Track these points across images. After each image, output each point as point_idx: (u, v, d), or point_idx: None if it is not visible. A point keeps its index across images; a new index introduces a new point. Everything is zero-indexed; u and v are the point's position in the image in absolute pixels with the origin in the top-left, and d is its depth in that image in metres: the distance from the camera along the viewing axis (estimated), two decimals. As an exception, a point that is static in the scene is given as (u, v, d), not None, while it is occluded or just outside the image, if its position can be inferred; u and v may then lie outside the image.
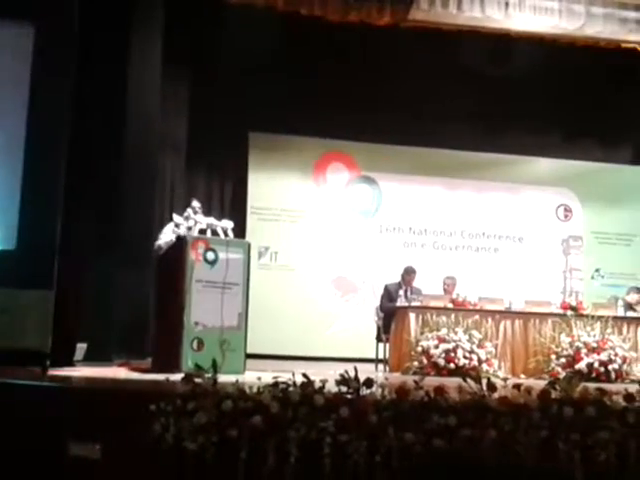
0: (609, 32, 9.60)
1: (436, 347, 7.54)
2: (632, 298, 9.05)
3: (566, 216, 11.55)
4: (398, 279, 8.76)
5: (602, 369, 7.72)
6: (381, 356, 8.33)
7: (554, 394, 3.78)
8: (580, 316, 8.16)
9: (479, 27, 9.38)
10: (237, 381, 3.69)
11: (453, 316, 7.85)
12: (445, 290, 8.80)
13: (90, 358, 6.85)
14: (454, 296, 8.26)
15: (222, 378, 3.74)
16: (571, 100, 10.89)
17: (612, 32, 9.61)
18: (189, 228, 6.53)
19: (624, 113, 11.12)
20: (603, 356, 7.77)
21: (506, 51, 10.13)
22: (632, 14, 9.58)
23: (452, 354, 7.49)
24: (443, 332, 7.66)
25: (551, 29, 9.47)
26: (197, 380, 3.63)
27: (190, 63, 9.72)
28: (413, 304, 8.10)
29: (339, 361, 7.67)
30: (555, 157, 11.53)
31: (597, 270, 9.58)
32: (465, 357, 7.50)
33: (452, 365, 7.43)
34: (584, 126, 11.31)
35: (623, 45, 9.98)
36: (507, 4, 9.29)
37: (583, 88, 10.83)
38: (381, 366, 8.26)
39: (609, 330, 8.04)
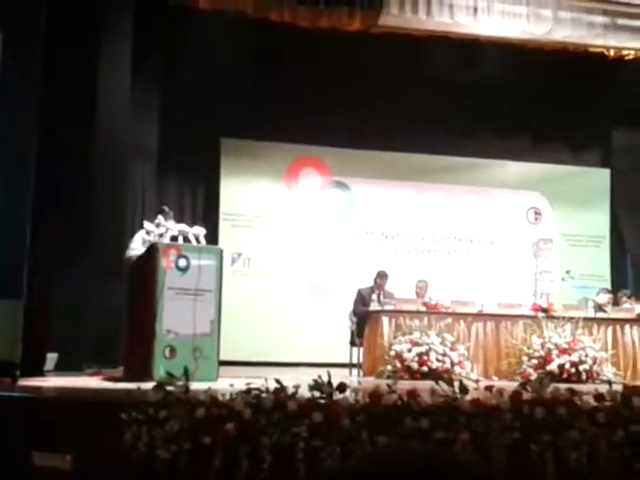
0: (576, 36, 9.71)
1: (409, 351, 7.57)
2: (602, 299, 9.15)
3: (536, 219, 11.66)
4: (371, 283, 8.78)
5: (573, 370, 7.79)
6: (355, 360, 8.34)
7: (525, 395, 3.81)
8: (551, 317, 8.24)
9: (448, 32, 9.43)
10: (209, 388, 3.68)
11: (426, 319, 7.89)
12: (417, 293, 8.84)
13: (61, 368, 6.79)
14: (426, 299, 8.30)
15: (195, 386, 3.72)
16: (540, 104, 11.00)
17: (579, 36, 9.72)
18: (160, 235, 6.50)
19: (592, 116, 11.27)
20: (574, 357, 7.84)
21: (475, 56, 10.23)
22: (599, 19, 9.70)
23: (425, 357, 7.52)
24: (416, 335, 7.69)
25: (519, 34, 9.56)
26: (169, 388, 3.60)
27: (160, 69, 9.66)
28: (386, 308, 8.12)
29: (313, 366, 7.68)
30: (525, 160, 11.63)
31: (567, 272, 9.69)
32: (438, 360, 7.53)
33: (425, 368, 7.45)
34: (553, 130, 11.44)
35: (590, 49, 10.11)
36: (476, 9, 9.36)
37: (551, 92, 10.94)
38: (355, 370, 8.27)
39: (579, 331, 8.12)
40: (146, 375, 5.53)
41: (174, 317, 5.99)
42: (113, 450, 3.54)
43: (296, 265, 10.66)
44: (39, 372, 6.32)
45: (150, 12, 8.74)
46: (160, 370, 5.48)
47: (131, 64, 8.44)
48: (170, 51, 9.58)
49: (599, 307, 8.93)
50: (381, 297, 8.48)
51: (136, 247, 6.87)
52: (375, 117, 10.37)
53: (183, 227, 6.64)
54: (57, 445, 3.70)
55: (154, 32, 9.17)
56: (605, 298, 9.17)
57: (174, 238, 6.51)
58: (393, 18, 9.14)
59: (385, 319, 7.95)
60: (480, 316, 8.25)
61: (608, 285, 10.98)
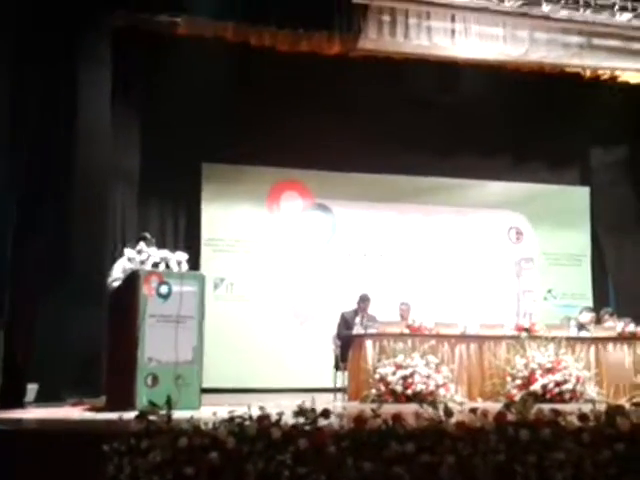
0: (553, 57, 9.85)
1: (393, 374, 7.55)
2: (585, 317, 9.19)
3: (517, 238, 11.72)
4: (354, 306, 8.76)
5: (557, 390, 7.80)
6: (339, 385, 8.30)
7: (510, 417, 3.79)
8: (534, 337, 8.25)
9: (427, 55, 9.54)
10: (192, 417, 3.63)
11: (409, 342, 7.88)
12: (401, 316, 8.83)
13: (42, 399, 6.71)
14: (410, 321, 8.28)
15: (177, 414, 3.67)
16: (518, 124, 11.10)
17: (556, 57, 9.87)
18: (142, 262, 6.45)
19: (570, 136, 11.40)
20: (557, 377, 7.85)
21: (454, 77, 10.34)
22: (574, 39, 9.85)
23: (409, 380, 7.50)
24: (400, 358, 7.68)
25: (497, 55, 9.69)
26: (151, 418, 3.55)
27: (141, 94, 9.67)
28: (369, 331, 8.10)
29: (297, 392, 7.64)
30: (505, 180, 11.72)
31: (549, 291, 9.72)
32: (422, 382, 7.52)
33: (410, 391, 7.44)
34: (532, 149, 11.54)
35: (567, 69, 10.27)
36: (453, 32, 9.48)
37: (530, 112, 11.05)
38: (340, 395, 8.22)
39: (562, 350, 8.14)
40: (128, 404, 5.47)
41: (156, 345, 5.93)
42: (95, 482, 3.48)
43: (279, 289, 10.63)
44: (19, 404, 6.24)
45: (130, 37, 8.77)
46: (142, 399, 5.43)
47: (111, 89, 8.45)
48: (150, 76, 9.60)
49: (581, 326, 8.96)
50: (364, 320, 8.46)
51: (117, 274, 6.82)
52: (355, 139, 10.41)
53: (165, 253, 6.59)
54: (37, 478, 3.64)
55: (134, 57, 9.19)
56: (588, 317, 9.21)
57: (156, 264, 6.46)
58: (372, 42, 9.25)
59: (369, 343, 7.93)
60: (463, 337, 8.25)
61: (590, 303, 11.04)
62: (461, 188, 11.57)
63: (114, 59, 8.49)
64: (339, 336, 8.58)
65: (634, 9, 9.83)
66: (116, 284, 6.67)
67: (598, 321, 9.39)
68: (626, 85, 10.51)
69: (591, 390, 8.04)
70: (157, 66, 9.42)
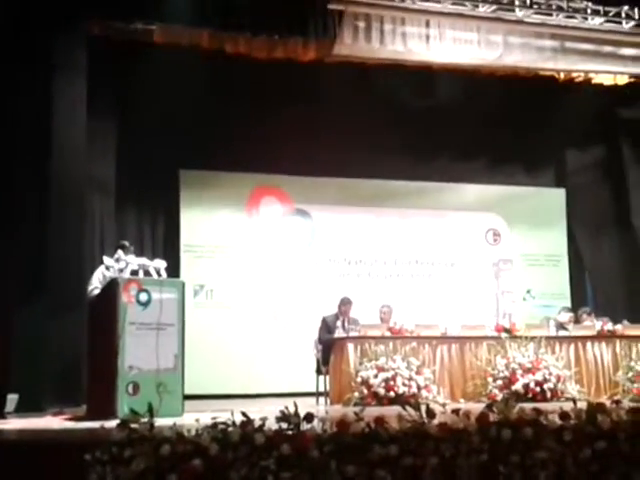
0: (527, 61, 9.93)
1: (375, 376, 7.56)
2: (564, 317, 9.28)
3: (495, 240, 11.81)
4: (335, 310, 8.78)
5: (538, 389, 7.87)
6: (322, 389, 8.30)
7: (492, 417, 3.82)
8: (514, 337, 8.31)
9: (402, 60, 9.57)
10: (175, 424, 3.62)
11: (391, 344, 7.90)
12: (382, 319, 8.86)
13: (22, 409, 6.64)
14: (391, 324, 8.31)
15: (160, 422, 3.66)
16: (494, 127, 11.17)
17: (530, 60, 9.94)
18: (120, 270, 6.43)
19: (545, 138, 11.50)
20: (538, 376, 7.92)
21: (430, 82, 10.39)
22: (548, 42, 9.93)
23: (391, 382, 7.52)
24: (382, 361, 7.70)
25: (471, 60, 9.74)
26: (133, 426, 3.54)
27: (116, 102, 9.63)
28: (351, 334, 8.12)
29: (280, 397, 7.63)
30: (481, 183, 11.80)
31: (528, 291, 9.81)
32: (404, 385, 7.54)
33: (392, 393, 7.46)
34: (508, 152, 11.65)
35: (541, 72, 10.35)
36: (428, 37, 9.52)
37: (505, 115, 11.14)
38: (322, 399, 8.23)
39: (542, 350, 8.21)
40: (110, 413, 5.44)
41: (136, 353, 5.91)
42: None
43: (259, 295, 10.62)
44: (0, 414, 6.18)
45: (105, 45, 8.72)
46: (124, 407, 5.39)
47: (87, 97, 8.39)
48: (126, 84, 9.55)
49: (561, 325, 9.04)
50: (346, 324, 8.48)
51: (96, 283, 6.79)
52: (334, 145, 10.43)
53: (143, 261, 6.57)
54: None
55: (110, 65, 9.15)
56: (567, 317, 9.30)
57: (134, 272, 6.44)
58: (347, 47, 9.26)
59: (350, 346, 7.95)
60: (444, 339, 8.28)
61: (568, 303, 11.14)
62: (438, 191, 11.64)
63: (89, 67, 8.44)
64: (320, 340, 8.58)
65: (606, 13, 9.95)
66: (95, 293, 6.64)
67: (577, 320, 9.48)
68: (600, 87, 10.62)
69: (572, 388, 8.12)
70: (133, 74, 9.38)
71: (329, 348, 8.29)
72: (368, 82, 10.18)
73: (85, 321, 7.04)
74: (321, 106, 10.30)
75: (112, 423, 3.70)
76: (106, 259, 6.72)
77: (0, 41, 7.66)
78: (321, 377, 8.38)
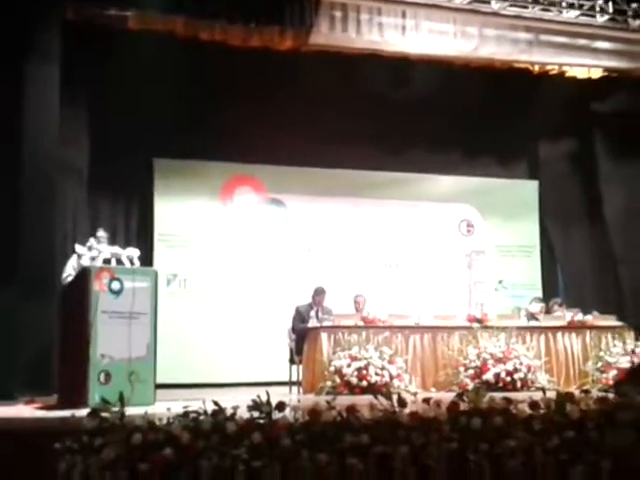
0: (502, 53, 9.99)
1: (348, 366, 7.59)
2: (535, 308, 9.38)
3: (469, 231, 11.87)
4: (309, 300, 8.79)
5: (508, 378, 7.95)
6: (294, 378, 8.32)
7: (463, 406, 3.85)
8: (485, 328, 8.39)
9: (378, 50, 9.58)
10: (146, 413, 3.62)
11: (364, 334, 7.93)
12: (356, 308, 8.89)
13: (-8, 397, 6.58)
14: (364, 314, 8.34)
15: (131, 411, 3.65)
16: (469, 119, 11.21)
17: (505, 53, 10.01)
18: (93, 258, 6.39)
19: (519, 130, 11.57)
20: (509, 366, 8.00)
21: (405, 73, 10.40)
22: (523, 35, 10.00)
23: (364, 372, 7.55)
24: (354, 350, 7.73)
25: (447, 51, 9.78)
26: (104, 414, 3.52)
27: (90, 89, 9.51)
28: (324, 324, 8.14)
29: (252, 386, 7.62)
30: (456, 174, 11.85)
31: (500, 282, 9.89)
32: (377, 374, 7.57)
33: (364, 383, 7.49)
34: (482, 144, 11.70)
35: (516, 65, 10.41)
36: (404, 27, 9.54)
37: (480, 107, 11.17)
38: (295, 388, 8.25)
39: (513, 340, 8.30)
40: (81, 402, 5.42)
41: (109, 341, 5.88)
42: (47, 480, 3.44)
43: (233, 284, 10.59)
44: (-31, 403, 6.13)
45: (79, 31, 8.62)
46: (95, 396, 5.38)
47: (60, 84, 8.29)
48: (101, 70, 9.43)
49: (532, 316, 9.14)
50: (319, 313, 8.50)
51: (70, 270, 6.74)
52: (308, 134, 10.42)
53: (116, 249, 6.54)
54: (-12, 478, 3.59)
55: (84, 51, 9.03)
56: (538, 307, 9.40)
57: (107, 261, 6.40)
58: (324, 36, 9.25)
59: (324, 335, 7.97)
60: (417, 329, 8.34)
61: (540, 293, 11.25)
62: (413, 182, 11.67)
63: (63, 53, 8.34)
64: (294, 329, 8.60)
65: (581, 6, 10.04)
66: (68, 281, 6.59)
67: (548, 311, 9.59)
68: (574, 80, 10.71)
69: (542, 378, 8.22)
70: (107, 60, 9.25)
71: (302, 338, 8.31)
72: (344, 72, 10.16)
73: (57, 309, 7.00)
74: (297, 95, 10.27)
75: (83, 412, 3.69)
76: (78, 247, 6.67)
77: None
78: (294, 366, 8.41)
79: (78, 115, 9.31)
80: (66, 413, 4.02)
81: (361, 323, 8.17)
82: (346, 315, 8.43)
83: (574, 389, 7.28)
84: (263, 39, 9.19)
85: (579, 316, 8.93)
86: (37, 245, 7.77)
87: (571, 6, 10.04)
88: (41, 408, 6.01)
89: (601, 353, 8.59)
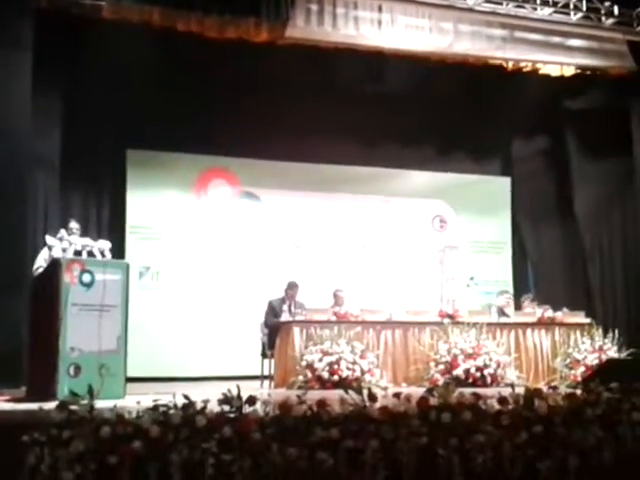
0: (477, 49, 10.03)
1: (320, 360, 7.60)
2: (501, 301, 9.45)
3: (442, 226, 11.95)
4: (282, 294, 8.79)
5: (478, 374, 8.01)
6: (266, 372, 8.32)
7: (432, 401, 3.87)
8: (456, 323, 8.44)
9: (354, 45, 9.57)
10: (115, 406, 3.59)
11: (336, 329, 7.94)
12: (336, 303, 8.85)
13: (-41, 390, 6.50)
14: (342, 308, 8.36)
15: (101, 404, 3.63)
16: (443, 115, 11.25)
17: (480, 49, 10.04)
18: (64, 250, 6.32)
19: (493, 127, 11.67)
20: (479, 361, 8.05)
21: (381, 68, 10.43)
22: (497, 31, 10.05)
23: (335, 366, 7.56)
24: (326, 345, 7.74)
25: (422, 46, 9.79)
26: (73, 407, 3.49)
27: (63, 78, 9.40)
28: (297, 319, 8.15)
29: (224, 380, 7.61)
30: (429, 170, 11.91)
31: (472, 278, 9.94)
32: (348, 368, 7.59)
33: (336, 377, 7.50)
34: (456, 140, 11.77)
35: (490, 61, 10.46)
36: (380, 22, 9.54)
37: (454, 103, 11.23)
38: (267, 382, 8.25)
39: (484, 336, 8.35)
40: (50, 395, 5.37)
41: (79, 334, 5.83)
42: (14, 474, 3.41)
43: (206, 278, 10.56)
44: None
45: (52, 20, 8.52)
46: (64, 389, 5.33)
47: (32, 73, 8.19)
48: (73, 60, 9.34)
49: (501, 311, 9.21)
50: (292, 308, 8.51)
51: (41, 262, 6.68)
52: (283, 128, 10.40)
53: (87, 241, 6.48)
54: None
55: (57, 42, 8.93)
56: (503, 300, 9.46)
57: (78, 253, 6.34)
58: (299, 30, 9.22)
59: (296, 329, 7.98)
60: (389, 324, 8.38)
61: (511, 290, 11.35)
62: (387, 177, 11.71)
63: (36, 43, 8.23)
64: (266, 324, 8.60)
65: (555, 3, 10.12)
66: (38, 273, 6.52)
67: (518, 307, 9.68)
68: (547, 77, 10.79)
69: (511, 374, 8.28)
70: (81, 51, 9.18)
71: (275, 332, 8.31)
72: (320, 66, 10.16)
73: (27, 301, 6.92)
74: (272, 89, 10.25)
75: (52, 404, 3.66)
76: (49, 238, 6.61)
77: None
78: (266, 361, 8.41)
79: (50, 105, 9.20)
80: (34, 406, 3.98)
81: (333, 318, 8.18)
82: (319, 310, 8.44)
83: (543, 385, 7.35)
84: (239, 31, 9.13)
85: (549, 312, 9.02)
86: (7, 237, 7.68)
87: (545, 3, 10.11)
88: (9, 400, 5.94)
89: (570, 350, 8.68)
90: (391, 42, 9.61)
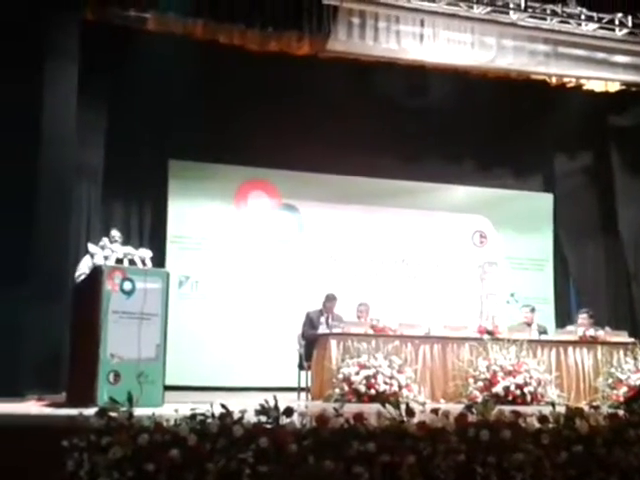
0: (519, 64, 9.95)
1: (357, 374, 7.56)
2: (525, 314, 9.32)
3: (481, 242, 11.84)
4: (320, 306, 8.78)
5: (518, 392, 7.89)
6: (303, 384, 8.31)
7: (471, 418, 3.83)
8: (496, 340, 8.33)
9: (395, 59, 9.58)
10: (153, 414, 3.61)
11: (373, 342, 7.90)
12: (358, 317, 8.84)
13: (1, 394, 6.59)
14: (374, 322, 8.31)
15: (139, 411, 3.65)
16: (485, 130, 11.20)
17: (522, 64, 9.96)
18: (105, 257, 6.40)
19: (535, 142, 11.54)
20: (519, 379, 7.94)
21: (422, 82, 10.40)
22: (541, 47, 9.96)
23: (372, 380, 7.52)
24: (364, 358, 7.69)
25: (464, 61, 9.75)
26: (112, 414, 3.53)
27: (107, 90, 9.56)
28: (334, 331, 8.12)
29: (261, 391, 7.62)
30: (470, 185, 11.82)
31: (512, 294, 9.82)
32: (385, 383, 7.54)
33: (373, 391, 7.46)
34: (497, 155, 11.68)
35: (533, 77, 10.39)
36: (422, 36, 9.52)
37: (496, 118, 11.17)
38: (303, 394, 8.23)
39: (524, 353, 8.23)
40: (89, 401, 5.43)
41: (119, 341, 5.89)
42: (54, 478, 3.44)
43: (244, 288, 10.59)
44: (-22, 399, 6.15)
45: (98, 32, 8.68)
46: (104, 395, 5.38)
47: (78, 85, 8.34)
48: (118, 72, 9.49)
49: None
50: (330, 320, 8.49)
51: (84, 269, 6.77)
52: (323, 140, 10.42)
53: (129, 249, 6.55)
54: (-5, 474, 3.59)
55: (102, 53, 9.09)
56: (522, 316, 9.30)
57: (119, 261, 6.42)
58: (341, 43, 9.25)
59: (333, 342, 7.95)
60: (427, 339, 8.30)
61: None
62: (427, 191, 11.65)
63: (81, 54, 8.38)
64: (304, 335, 8.59)
65: (600, 19, 9.99)
66: (80, 280, 6.61)
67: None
68: (591, 93, 10.67)
69: (552, 393, 8.14)
70: (125, 62, 9.33)
71: (312, 344, 8.30)
72: (361, 79, 10.19)
73: (68, 309, 7.02)
74: (313, 102, 10.30)
75: (91, 411, 3.69)
76: (91, 246, 6.70)
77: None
78: (303, 372, 8.39)
79: (95, 116, 9.34)
80: (74, 411, 4.02)
81: (371, 331, 8.14)
82: (356, 323, 8.42)
83: (584, 405, 7.22)
84: (281, 44, 9.22)
85: (591, 331, 8.87)
86: (51, 245, 7.80)
87: (590, 19, 9.98)
88: (49, 405, 6.03)
89: (612, 369, 8.51)
90: (433, 56, 9.59)
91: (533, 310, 9.40)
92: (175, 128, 9.99)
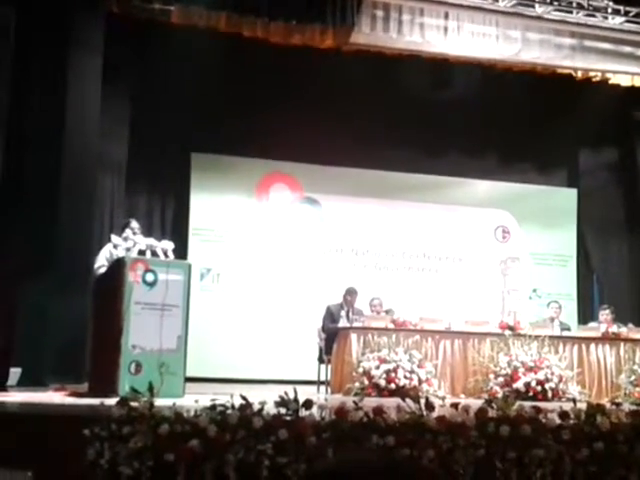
0: (545, 58, 9.86)
1: (377, 368, 7.56)
2: (550, 312, 9.25)
3: (504, 237, 11.75)
4: (340, 300, 8.78)
5: (539, 388, 7.84)
6: (323, 378, 8.31)
7: (491, 413, 3.82)
8: (517, 335, 8.28)
9: (419, 51, 9.53)
10: (174, 404, 3.64)
11: (394, 336, 7.89)
12: (372, 311, 8.81)
13: (24, 383, 6.68)
14: (394, 316, 8.30)
15: (160, 402, 3.68)
16: (508, 124, 11.12)
17: (548, 58, 9.87)
18: (128, 249, 6.44)
19: (559, 137, 11.41)
20: (540, 375, 7.89)
21: (445, 75, 10.34)
22: (567, 40, 9.86)
23: (393, 374, 7.52)
24: (384, 353, 7.69)
25: (489, 54, 9.68)
26: (133, 404, 3.55)
27: (131, 83, 9.63)
28: (354, 325, 8.12)
29: (280, 383, 7.63)
30: (493, 179, 11.74)
31: (534, 290, 9.74)
32: (405, 377, 7.54)
33: (393, 385, 7.45)
34: (521, 149, 11.58)
35: (558, 70, 10.29)
36: (446, 29, 9.47)
37: (520, 112, 11.07)
38: (323, 388, 8.24)
39: (546, 349, 8.18)
40: (111, 391, 5.46)
41: (140, 332, 5.92)
42: (75, 466, 3.48)
43: (265, 281, 10.61)
44: (2, 387, 6.22)
45: (122, 25, 8.72)
46: (125, 386, 5.41)
47: (102, 77, 8.41)
48: (141, 65, 9.56)
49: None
50: (350, 314, 8.48)
51: (103, 261, 6.80)
52: (345, 134, 10.39)
53: (151, 241, 6.57)
54: (18, 461, 3.63)
55: (126, 45, 9.14)
56: (552, 311, 9.24)
57: (142, 252, 6.45)
58: (365, 36, 9.22)
59: (354, 336, 7.95)
60: (448, 333, 8.28)
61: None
62: (449, 186, 11.58)
63: (106, 47, 8.44)
64: (324, 329, 8.59)
65: (626, 13, 9.87)
66: (102, 271, 6.65)
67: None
68: (617, 88, 10.55)
69: (573, 389, 8.08)
70: (149, 54, 9.38)
71: (332, 337, 8.30)
72: (384, 72, 10.14)
73: (90, 299, 7.07)
74: (337, 95, 10.27)
75: (112, 400, 3.72)
76: (114, 237, 6.73)
77: (17, 16, 7.65)
78: (323, 366, 8.40)
79: (118, 108, 9.41)
80: (96, 401, 4.06)
81: (391, 325, 8.13)
82: (377, 317, 8.41)
83: (606, 401, 7.16)
84: (304, 37, 9.19)
85: (614, 328, 8.79)
86: (74, 235, 7.88)
87: (616, 12, 9.87)
88: (71, 395, 6.08)
89: (635, 366, 8.44)
90: (457, 49, 9.52)
91: (560, 307, 9.35)
92: (198, 121, 10.02)
